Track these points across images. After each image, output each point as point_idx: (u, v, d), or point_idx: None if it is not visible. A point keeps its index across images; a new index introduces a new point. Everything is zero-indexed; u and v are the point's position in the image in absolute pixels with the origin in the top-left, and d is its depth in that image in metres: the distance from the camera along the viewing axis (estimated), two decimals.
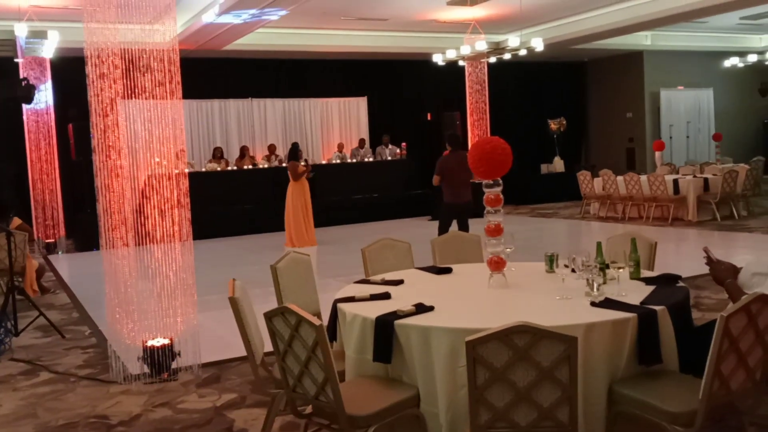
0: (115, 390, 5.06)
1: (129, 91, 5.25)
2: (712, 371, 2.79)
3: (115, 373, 5.30)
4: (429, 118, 19.07)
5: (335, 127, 18.30)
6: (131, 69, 5.21)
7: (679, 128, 20.15)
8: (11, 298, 6.72)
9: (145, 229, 5.28)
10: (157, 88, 5.27)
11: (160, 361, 5.22)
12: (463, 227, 9.00)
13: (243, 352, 3.70)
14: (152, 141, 5.35)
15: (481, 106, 16.59)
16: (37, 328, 6.98)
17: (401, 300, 3.64)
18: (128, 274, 5.32)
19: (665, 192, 12.88)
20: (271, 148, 16.51)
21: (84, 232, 12.59)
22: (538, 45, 13.82)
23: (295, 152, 12.21)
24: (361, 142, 17.69)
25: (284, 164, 14.60)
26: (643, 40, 18.60)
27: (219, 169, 15.02)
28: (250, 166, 15.53)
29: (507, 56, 14.89)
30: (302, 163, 12.23)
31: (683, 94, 20.44)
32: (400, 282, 4.17)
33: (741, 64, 18.10)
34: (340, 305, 3.69)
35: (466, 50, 14.41)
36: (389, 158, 17.11)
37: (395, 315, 3.33)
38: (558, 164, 18.57)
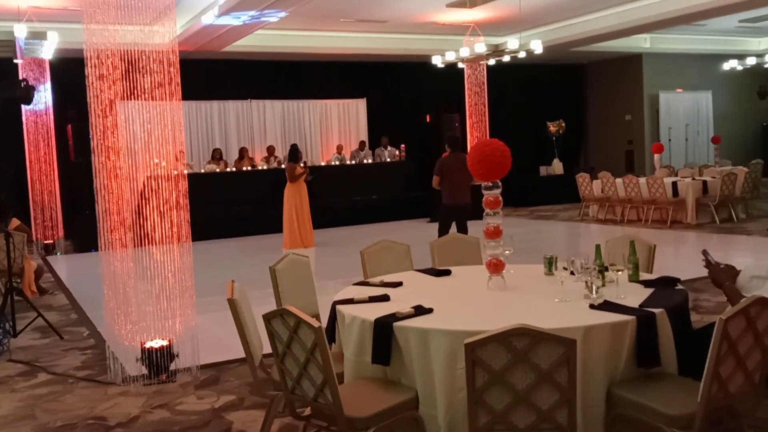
0: (113, 391, 5.06)
1: (128, 93, 5.24)
2: (710, 374, 2.79)
3: (114, 374, 5.29)
4: (428, 119, 19.08)
5: (334, 129, 18.31)
6: (131, 70, 5.21)
7: (677, 131, 20.17)
8: (9, 299, 6.71)
9: (144, 230, 5.27)
10: (157, 89, 5.27)
11: (158, 362, 5.21)
12: (462, 229, 9.00)
13: (242, 354, 3.70)
14: (151, 142, 5.35)
15: (480, 108, 16.61)
16: (36, 329, 6.97)
17: (400, 302, 3.64)
18: (127, 275, 5.31)
19: (664, 194, 12.88)
20: (270, 150, 16.51)
21: (83, 233, 12.58)
22: (537, 47, 13.83)
23: (294, 154, 12.20)
24: (362, 144, 17.70)
25: (283, 165, 14.60)
26: (642, 42, 18.62)
27: (218, 170, 15.02)
28: (249, 168, 15.53)
29: (506, 58, 14.91)
30: (300, 165, 12.21)
31: (682, 97, 20.45)
32: (398, 284, 4.17)
33: (740, 67, 18.13)
34: (338, 307, 3.69)
35: (465, 52, 14.43)
36: (388, 160, 17.11)
37: (394, 317, 3.33)
38: (557, 166, 18.58)
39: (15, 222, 8.93)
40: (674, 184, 12.97)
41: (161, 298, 5.28)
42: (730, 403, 2.99)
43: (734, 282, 3.57)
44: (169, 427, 4.37)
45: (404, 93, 18.93)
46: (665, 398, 3.02)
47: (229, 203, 14.22)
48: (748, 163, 15.51)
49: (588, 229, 13.36)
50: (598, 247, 3.85)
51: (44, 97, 12.53)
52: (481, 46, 13.96)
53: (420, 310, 3.42)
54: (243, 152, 16.16)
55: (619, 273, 3.76)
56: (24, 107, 12.43)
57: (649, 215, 13.23)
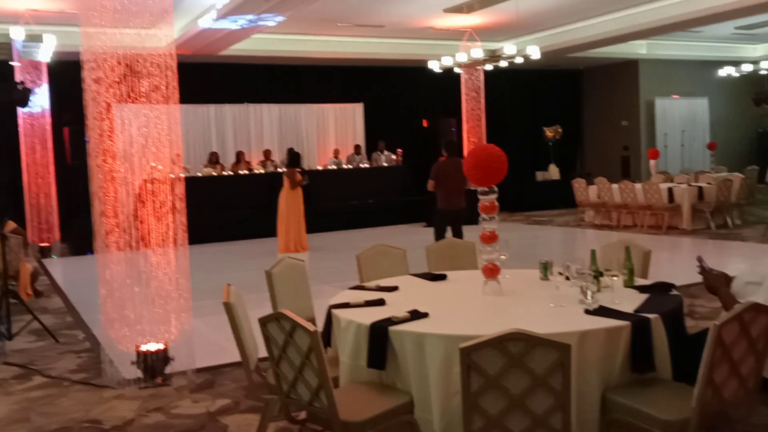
0: (108, 395, 5.05)
1: (125, 96, 5.25)
2: (704, 379, 2.80)
3: (109, 377, 5.29)
4: (425, 124, 19.11)
5: (331, 133, 18.31)
6: (128, 73, 5.21)
7: (674, 137, 20.22)
8: (5, 301, 6.70)
9: (140, 233, 5.27)
10: (154, 92, 5.27)
11: (153, 365, 5.21)
12: (457, 234, 9.00)
13: (237, 358, 3.71)
14: (148, 145, 5.35)
15: (476, 113, 16.63)
16: (31, 332, 6.96)
17: (396, 306, 3.65)
18: (123, 278, 5.31)
19: (660, 200, 12.91)
20: (267, 154, 16.51)
21: (79, 236, 12.54)
22: (534, 53, 13.87)
23: (295, 159, 12.18)
24: (357, 148, 17.68)
25: (280, 170, 14.59)
26: (639, 48, 18.69)
27: (215, 173, 15.02)
28: (246, 171, 15.53)
29: (503, 64, 14.96)
30: (298, 170, 12.17)
31: (678, 103, 20.52)
32: (394, 288, 4.17)
33: (736, 74, 18.19)
34: (334, 311, 3.69)
35: (462, 57, 14.47)
36: (385, 164, 17.12)
37: (390, 321, 3.33)
38: (553, 172, 18.61)
39: (11, 225, 8.93)
40: (670, 190, 13.00)
41: (157, 301, 5.27)
42: (725, 409, 3.00)
43: (728, 288, 3.58)
44: (165, 430, 4.37)
45: (401, 98, 18.95)
46: (660, 403, 3.03)
47: (225, 207, 14.21)
48: (744, 170, 15.57)
49: (584, 235, 13.38)
50: (593, 252, 3.86)
51: (41, 99, 12.52)
52: (478, 52, 13.99)
53: (416, 315, 3.43)
54: (240, 156, 16.17)
55: (615, 278, 3.77)
56: (20, 110, 12.42)
57: (644, 221, 13.25)
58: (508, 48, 14.25)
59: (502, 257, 3.98)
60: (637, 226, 13.39)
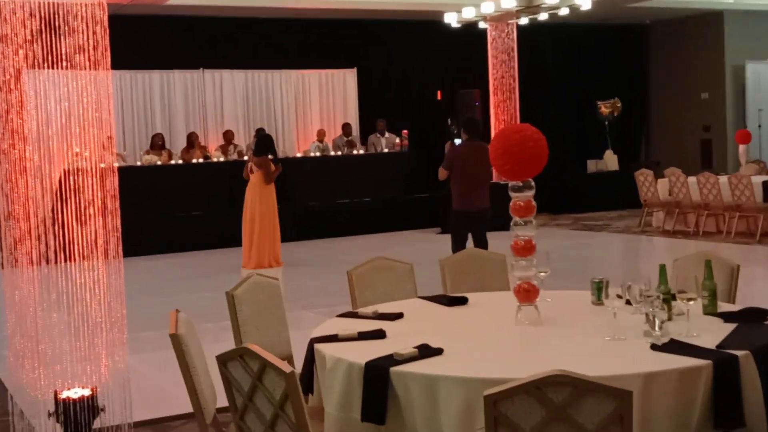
0: None
1: (40, 59, 5.25)
2: None
3: None
4: (439, 97, 19.12)
5: (314, 109, 18.32)
6: (44, 30, 5.22)
7: None
8: None
9: (60, 241, 5.28)
10: (78, 55, 5.28)
11: (77, 418, 5.21)
12: (480, 243, 9.01)
13: (188, 408, 3.70)
14: (70, 125, 5.36)
15: (508, 82, 16.62)
16: None
17: (400, 340, 3.66)
18: (37, 302, 5.31)
19: (752, 198, 12.91)
20: (228, 136, 16.52)
21: None
22: (585, 2, 13.88)
23: (267, 144, 12.16)
24: (346, 128, 17.66)
25: (245, 157, 14.59)
26: None
27: (159, 162, 15.03)
28: (201, 160, 15.55)
29: (543, 16, 14.95)
30: (270, 159, 12.16)
31: None
32: (398, 316, 4.19)
33: None
34: (318, 346, 3.70)
35: (488, 8, 14.46)
36: (386, 150, 17.14)
37: (391, 360, 3.34)
38: (610, 160, 18.63)
39: None
40: (765, 184, 13.00)
41: (83, 332, 5.27)
42: None
43: None
44: None
45: (407, 62, 18.95)
46: None
47: (173, 206, 14.23)
48: None
49: (650, 244, 13.41)
50: (663, 268, 3.86)
51: None
52: (510, 1, 14.00)
53: (426, 351, 3.43)
54: (192, 139, 16.18)
55: (691, 303, 3.77)
56: None
57: (732, 226, 13.26)
58: None
59: (542, 274, 3.99)
60: (722, 233, 13.40)
